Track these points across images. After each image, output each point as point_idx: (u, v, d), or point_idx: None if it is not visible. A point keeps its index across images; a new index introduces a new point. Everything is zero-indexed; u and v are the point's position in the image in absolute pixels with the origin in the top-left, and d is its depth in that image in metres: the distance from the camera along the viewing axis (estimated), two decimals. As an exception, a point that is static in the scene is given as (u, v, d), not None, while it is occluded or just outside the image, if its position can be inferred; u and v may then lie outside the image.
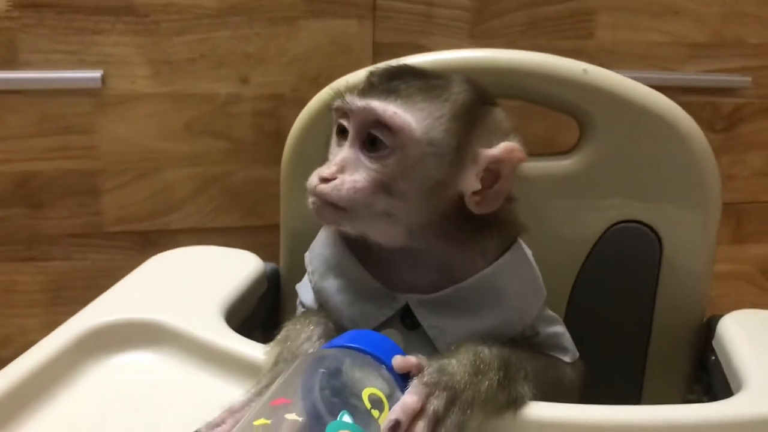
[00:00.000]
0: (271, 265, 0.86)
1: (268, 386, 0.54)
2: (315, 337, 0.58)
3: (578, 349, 0.69)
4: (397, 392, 0.48)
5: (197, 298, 0.69)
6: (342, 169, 0.58)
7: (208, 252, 0.80)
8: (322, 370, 0.47)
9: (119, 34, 0.97)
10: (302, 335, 0.58)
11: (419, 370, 0.50)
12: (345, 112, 0.60)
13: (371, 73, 0.62)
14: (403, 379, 0.50)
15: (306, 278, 0.68)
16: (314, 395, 0.45)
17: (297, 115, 1.04)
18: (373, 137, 0.58)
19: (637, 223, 0.79)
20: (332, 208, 0.58)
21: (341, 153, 0.59)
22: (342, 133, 0.61)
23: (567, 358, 0.65)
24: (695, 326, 0.81)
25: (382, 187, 0.58)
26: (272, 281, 0.85)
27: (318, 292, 0.64)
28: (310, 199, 0.59)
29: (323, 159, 0.79)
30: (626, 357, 0.83)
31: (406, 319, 0.61)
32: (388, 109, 0.57)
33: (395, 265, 0.62)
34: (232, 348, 0.61)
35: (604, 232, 0.80)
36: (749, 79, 1.24)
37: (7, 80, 0.95)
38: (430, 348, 0.60)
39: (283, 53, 1.03)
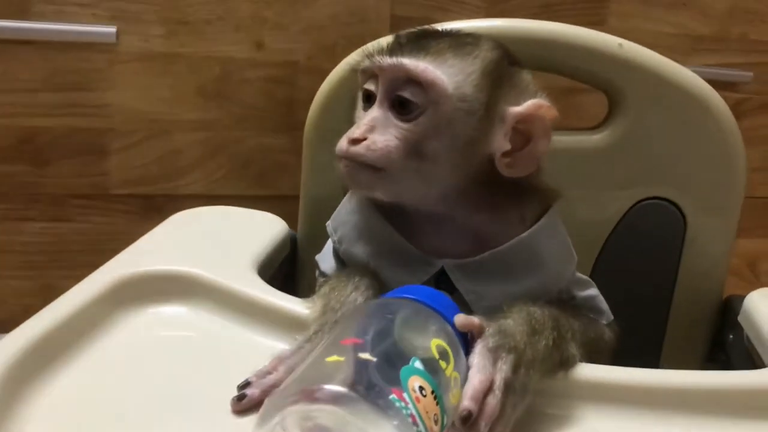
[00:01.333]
0: (290, 232, 0.85)
1: (317, 334, 0.53)
2: (363, 287, 0.57)
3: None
4: (460, 350, 0.48)
5: (229, 253, 0.67)
6: (372, 129, 0.57)
7: (233, 212, 0.79)
8: (389, 316, 0.46)
9: (135, -11, 0.95)
10: (349, 286, 0.57)
11: (480, 330, 0.50)
12: (372, 74, 0.59)
13: (398, 35, 0.60)
14: (462, 336, 0.49)
15: (327, 248, 0.67)
16: (390, 339, 0.44)
17: (310, 84, 1.03)
18: (402, 99, 0.57)
19: (664, 200, 0.80)
20: (367, 169, 0.57)
21: (370, 113, 0.58)
22: (368, 99, 0.59)
23: (603, 320, 0.65)
24: (713, 305, 0.82)
25: (414, 147, 0.56)
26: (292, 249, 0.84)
27: (348, 259, 0.63)
28: (342, 163, 0.57)
29: (346, 128, 0.78)
30: (645, 333, 0.84)
31: (441, 285, 0.60)
32: (419, 65, 0.56)
33: (429, 231, 0.61)
34: (268, 300, 0.60)
35: (630, 208, 0.80)
36: (751, 74, 1.26)
37: (18, 30, 0.92)
38: (466, 313, 0.60)
39: (300, 20, 1.02)
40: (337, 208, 0.66)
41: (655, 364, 0.84)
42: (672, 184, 0.80)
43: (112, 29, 0.94)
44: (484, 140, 0.58)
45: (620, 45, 0.77)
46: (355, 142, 0.56)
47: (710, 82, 1.28)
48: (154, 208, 1.05)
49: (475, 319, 0.50)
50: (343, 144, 0.57)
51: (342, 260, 0.65)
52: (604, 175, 0.80)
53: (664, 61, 0.78)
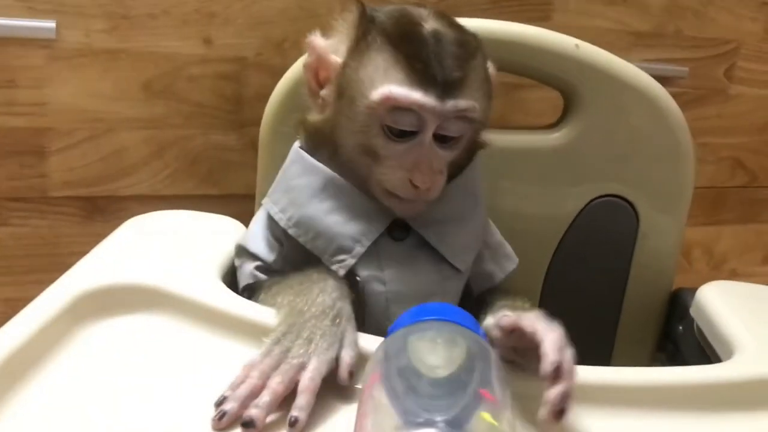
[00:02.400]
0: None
1: (285, 336, 0.53)
2: (329, 289, 0.58)
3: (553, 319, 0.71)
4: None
5: (191, 261, 0.65)
6: (433, 172, 0.61)
7: (188, 216, 0.76)
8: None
9: (74, -18, 0.91)
10: (314, 289, 0.57)
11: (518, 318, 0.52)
12: (407, 109, 0.59)
13: (419, 61, 0.58)
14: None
15: (253, 230, 0.68)
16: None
17: (259, 80, 1.01)
18: (448, 137, 0.61)
19: (617, 198, 0.82)
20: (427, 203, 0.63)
21: (420, 153, 0.60)
22: (402, 134, 0.60)
23: (514, 265, 0.71)
24: (663, 298, 0.85)
25: (450, 163, 0.63)
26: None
27: (299, 224, 0.63)
28: (399, 202, 0.62)
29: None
30: (598, 327, 0.86)
31: (395, 232, 0.64)
32: (470, 105, 0.60)
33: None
34: (234, 309, 0.59)
35: (585, 207, 0.82)
36: (687, 69, 1.30)
37: (-55, 25, 0.86)
38: (422, 255, 0.64)
39: (248, 16, 0.99)
40: (275, 182, 0.67)
41: (607, 356, 0.86)
42: (625, 181, 0.82)
43: (52, 24, 0.90)
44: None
45: (577, 46, 0.78)
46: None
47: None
48: (96, 210, 1.01)
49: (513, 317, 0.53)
50: (414, 193, 0.61)
51: (276, 238, 0.65)
52: (560, 173, 0.82)
53: (618, 61, 0.80)
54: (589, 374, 0.53)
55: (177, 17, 0.96)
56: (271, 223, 0.66)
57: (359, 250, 0.62)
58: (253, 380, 0.50)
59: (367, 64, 0.59)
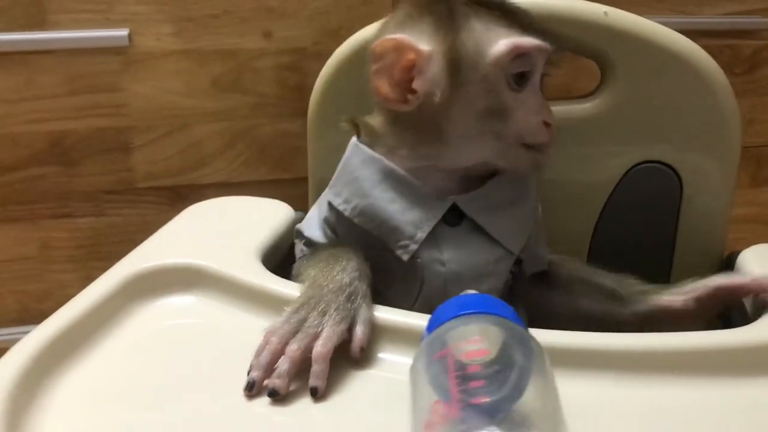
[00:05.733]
0: (300, 214, 0.89)
1: (303, 306, 0.57)
2: (350, 269, 0.61)
3: None
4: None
5: (234, 243, 0.71)
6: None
7: (241, 202, 0.83)
8: None
9: (143, -8, 0.99)
10: (336, 267, 0.61)
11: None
12: (522, 54, 0.63)
13: (514, 14, 0.65)
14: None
15: (311, 216, 0.73)
16: None
17: (318, 69, 1.06)
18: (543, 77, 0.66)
19: (658, 164, 0.81)
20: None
21: (537, 95, 0.65)
22: (520, 78, 0.64)
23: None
24: (714, 264, 0.83)
25: None
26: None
27: (363, 213, 0.67)
28: (544, 155, 0.66)
29: (349, 110, 0.82)
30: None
31: (449, 218, 0.67)
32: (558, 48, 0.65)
33: (436, 175, 0.67)
34: (270, 288, 0.63)
35: (626, 173, 0.82)
36: (770, 20, 1.23)
37: (36, 41, 0.97)
38: (475, 238, 0.66)
39: (304, 7, 1.05)
40: (336, 175, 0.70)
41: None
42: (666, 147, 0.80)
43: (124, 32, 0.99)
44: None
45: (605, 13, 0.78)
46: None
47: (727, 31, 1.28)
48: (179, 198, 1.10)
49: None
50: (549, 134, 0.65)
51: (332, 229, 0.70)
52: (599, 141, 0.81)
53: (651, 26, 0.78)
54: (588, 340, 0.55)
55: (237, 15, 1.03)
56: (329, 215, 0.70)
57: (420, 235, 0.65)
58: (273, 346, 0.54)
59: (473, 30, 0.63)
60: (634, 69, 0.79)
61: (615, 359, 0.55)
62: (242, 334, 0.60)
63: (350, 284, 0.59)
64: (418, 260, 0.66)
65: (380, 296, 0.67)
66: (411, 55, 0.63)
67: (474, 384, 0.43)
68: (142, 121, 1.05)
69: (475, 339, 0.47)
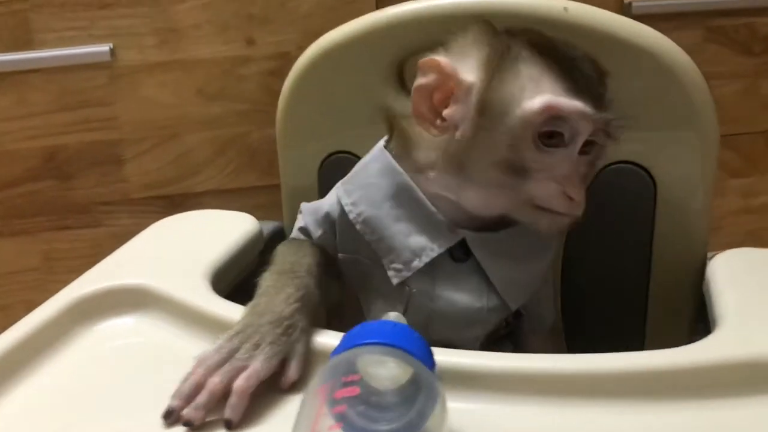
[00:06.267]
0: (275, 224, 0.89)
1: (237, 335, 0.55)
2: (292, 300, 0.59)
3: (577, 296, 0.71)
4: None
5: (186, 262, 0.71)
6: (584, 183, 0.62)
7: (205, 216, 0.83)
8: None
9: (125, 6, 1.00)
10: (281, 295, 0.59)
11: None
12: (559, 116, 0.58)
13: (571, 71, 0.60)
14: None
15: (319, 203, 0.70)
16: None
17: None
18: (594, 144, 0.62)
19: (629, 164, 0.77)
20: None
21: (570, 163, 0.60)
22: (551, 137, 0.59)
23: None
24: (696, 265, 0.79)
25: None
26: (278, 238, 0.88)
27: (366, 222, 0.65)
28: (561, 219, 0.61)
29: (316, 117, 0.80)
30: (626, 301, 0.81)
31: (455, 252, 0.64)
32: (616, 117, 0.61)
33: (452, 203, 0.64)
34: (212, 311, 0.62)
35: (595, 176, 0.78)
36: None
37: (24, 60, 1.00)
38: (475, 280, 0.64)
39: (285, 12, 1.04)
40: (352, 172, 0.68)
41: (641, 331, 0.82)
42: (635, 145, 0.76)
43: (106, 48, 1.00)
44: None
45: (565, 9, 0.74)
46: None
47: (744, 9, 1.20)
48: (175, 206, 1.12)
49: None
50: (568, 206, 0.60)
51: (331, 224, 0.67)
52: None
53: (615, 19, 0.74)
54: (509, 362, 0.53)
55: (218, 24, 1.03)
56: (331, 210, 0.68)
57: (417, 264, 0.63)
58: (196, 376, 0.53)
59: (518, 76, 0.59)
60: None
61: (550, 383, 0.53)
62: (183, 358, 0.60)
63: (290, 317, 0.58)
64: (407, 287, 0.64)
65: (360, 314, 0.67)
66: (451, 82, 0.60)
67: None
68: (132, 133, 1.07)
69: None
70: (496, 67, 0.59)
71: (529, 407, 0.51)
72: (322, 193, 0.85)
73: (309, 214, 0.71)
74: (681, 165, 0.76)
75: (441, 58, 0.61)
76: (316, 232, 0.69)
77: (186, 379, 0.54)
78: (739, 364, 0.53)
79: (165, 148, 1.08)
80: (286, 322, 0.57)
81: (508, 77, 0.59)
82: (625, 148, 0.76)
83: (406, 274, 0.63)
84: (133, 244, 0.78)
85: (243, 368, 0.54)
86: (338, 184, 0.69)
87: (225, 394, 0.52)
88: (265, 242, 0.84)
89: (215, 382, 0.53)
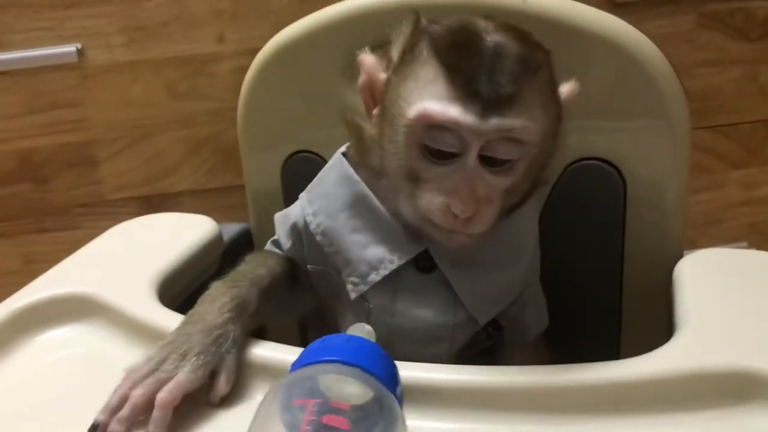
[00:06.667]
0: (242, 225, 0.87)
1: (167, 344, 0.54)
2: (225, 310, 0.57)
3: (549, 301, 0.68)
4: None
5: (133, 271, 0.70)
6: (477, 200, 0.54)
7: (163, 220, 0.81)
8: None
9: (90, 6, 0.99)
10: (215, 304, 0.58)
11: None
12: (451, 130, 0.53)
13: (461, 74, 0.53)
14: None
15: (287, 217, 0.67)
16: None
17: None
18: (496, 159, 0.54)
19: (596, 160, 0.73)
20: (473, 236, 0.56)
21: (462, 177, 0.54)
22: (439, 155, 0.54)
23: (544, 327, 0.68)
24: (670, 267, 0.75)
25: (504, 193, 0.56)
26: (245, 240, 0.86)
27: (325, 233, 0.62)
28: (454, 236, 0.56)
29: (276, 116, 0.78)
30: (599, 306, 0.78)
31: (420, 262, 0.60)
32: (519, 124, 0.52)
33: None
34: (153, 320, 0.61)
35: (563, 172, 0.75)
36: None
37: (-12, 63, 0.99)
38: (441, 293, 0.60)
39: (255, 7, 1.02)
40: (315, 180, 0.65)
41: (615, 337, 0.79)
42: (602, 140, 0.73)
43: (73, 48, 0.99)
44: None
45: (524, 0, 0.71)
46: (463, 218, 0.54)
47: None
48: (152, 207, 1.10)
49: None
50: (452, 222, 0.55)
51: (298, 234, 0.65)
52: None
53: (577, 9, 0.70)
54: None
55: (187, 20, 1.01)
56: (298, 220, 0.66)
57: (374, 278, 0.60)
58: (123, 389, 0.52)
59: (409, 78, 0.55)
60: (561, 58, 0.71)
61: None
62: (122, 370, 0.59)
63: (221, 326, 0.56)
64: (366, 303, 0.61)
65: (330, 326, 0.66)
66: (375, 80, 0.58)
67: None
68: (104, 134, 1.05)
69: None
70: (399, 66, 0.56)
71: (485, 423, 0.49)
72: (286, 193, 0.84)
73: (280, 225, 0.68)
74: (651, 161, 0.72)
75: (366, 56, 0.58)
76: (286, 244, 0.67)
77: (114, 392, 0.53)
78: (687, 376, 0.50)
79: (138, 148, 1.07)
80: (216, 332, 0.55)
81: (405, 77, 0.55)
82: (592, 142, 0.73)
83: (363, 288, 0.60)
84: (86, 249, 0.76)
85: (167, 380, 0.52)
86: (303, 193, 0.66)
87: (150, 406, 0.51)
88: (232, 244, 0.83)
89: (138, 394, 0.52)
